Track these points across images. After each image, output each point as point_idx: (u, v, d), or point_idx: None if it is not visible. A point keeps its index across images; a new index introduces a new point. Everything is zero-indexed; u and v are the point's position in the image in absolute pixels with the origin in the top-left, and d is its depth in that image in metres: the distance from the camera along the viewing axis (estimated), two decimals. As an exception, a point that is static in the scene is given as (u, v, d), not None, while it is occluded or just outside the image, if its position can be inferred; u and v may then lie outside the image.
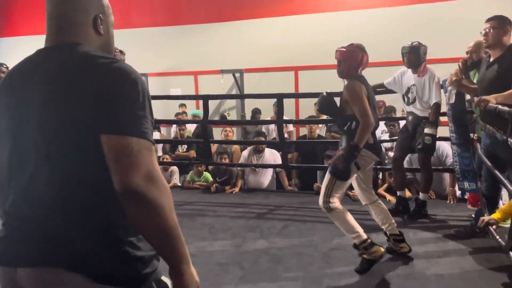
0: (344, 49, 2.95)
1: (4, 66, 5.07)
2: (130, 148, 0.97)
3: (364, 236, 2.82)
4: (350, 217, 2.84)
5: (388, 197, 4.61)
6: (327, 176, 2.88)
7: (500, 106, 2.63)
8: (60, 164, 1.00)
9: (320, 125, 6.34)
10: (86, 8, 1.12)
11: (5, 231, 1.06)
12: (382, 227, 3.06)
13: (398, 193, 4.15)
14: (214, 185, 5.28)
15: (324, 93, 3.15)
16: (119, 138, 0.97)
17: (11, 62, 6.38)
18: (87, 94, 0.98)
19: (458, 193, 4.41)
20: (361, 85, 2.86)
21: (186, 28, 8.01)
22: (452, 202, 4.34)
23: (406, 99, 3.95)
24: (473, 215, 3.95)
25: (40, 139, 1.01)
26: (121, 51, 2.63)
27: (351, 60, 2.92)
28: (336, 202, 2.82)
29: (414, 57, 3.78)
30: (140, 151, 0.98)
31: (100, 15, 1.14)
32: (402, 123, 4.61)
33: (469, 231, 3.40)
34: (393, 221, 3.06)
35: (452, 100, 3.66)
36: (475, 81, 3.57)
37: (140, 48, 7.38)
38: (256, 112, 6.86)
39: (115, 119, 0.98)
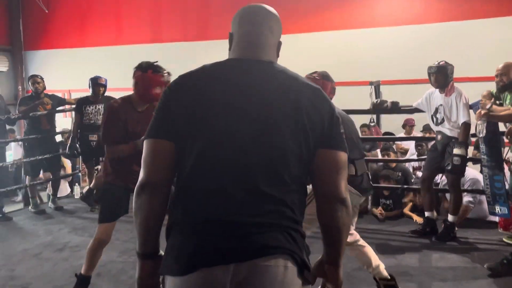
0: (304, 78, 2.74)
1: (39, 77, 5.27)
2: (345, 163, 1.20)
3: (385, 274, 2.62)
4: (369, 249, 2.64)
5: (415, 217, 4.51)
6: None
7: None
8: (290, 169, 1.13)
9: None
10: (275, 31, 1.28)
11: (209, 230, 1.10)
12: (368, 270, 2.71)
13: (426, 213, 4.04)
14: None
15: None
16: (340, 153, 1.19)
17: (46, 73, 6.62)
18: (319, 116, 1.17)
19: (491, 216, 4.25)
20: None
21: (213, 44, 8.14)
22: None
23: (434, 119, 3.88)
24: (504, 239, 3.82)
25: (269, 144, 1.12)
26: (168, 73, 2.66)
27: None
28: (353, 233, 2.58)
29: (442, 77, 3.73)
30: (347, 164, 1.21)
31: (281, 40, 1.31)
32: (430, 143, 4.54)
33: (505, 269, 3.07)
34: (379, 262, 2.67)
35: (483, 134, 3.57)
36: (507, 103, 3.47)
37: (168, 62, 7.53)
38: None
39: (336, 136, 1.19)
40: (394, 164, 4.97)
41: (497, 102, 3.60)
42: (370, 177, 2.66)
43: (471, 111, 3.80)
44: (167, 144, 1.15)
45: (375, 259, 2.65)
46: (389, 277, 2.66)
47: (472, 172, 4.42)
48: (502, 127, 3.71)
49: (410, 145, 5.87)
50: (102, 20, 9.10)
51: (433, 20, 6.85)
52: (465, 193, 4.25)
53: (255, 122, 1.12)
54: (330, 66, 7.93)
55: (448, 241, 3.80)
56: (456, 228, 3.91)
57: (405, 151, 6.06)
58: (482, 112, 3.36)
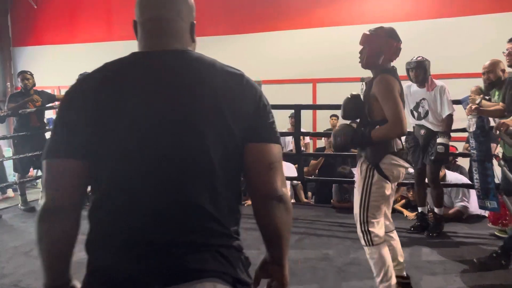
0: (368, 33, 2.49)
1: (28, 73, 5.21)
2: (279, 156, 1.06)
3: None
4: (388, 259, 2.42)
5: (406, 212, 4.55)
6: (357, 193, 2.44)
7: None
8: (216, 172, 1.00)
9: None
10: (185, 13, 1.09)
11: (138, 246, 0.96)
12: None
13: (420, 209, 4.09)
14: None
15: (349, 95, 2.61)
16: (271, 146, 1.05)
17: (35, 69, 6.57)
18: (240, 106, 1.02)
19: (480, 211, 4.31)
20: (395, 81, 2.34)
21: (206, 40, 8.11)
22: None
23: (416, 114, 3.90)
24: (495, 234, 3.87)
25: (187, 146, 0.98)
26: None
27: (373, 46, 2.42)
28: (378, 230, 2.37)
29: (421, 71, 3.76)
30: (281, 158, 1.08)
31: (194, 21, 1.13)
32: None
33: (494, 262, 3.10)
34: (403, 260, 2.61)
35: (473, 129, 3.60)
36: (495, 99, 3.52)
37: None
38: None
39: (265, 127, 1.06)
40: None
41: (486, 97, 3.64)
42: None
43: (460, 106, 3.83)
44: (72, 163, 0.98)
45: (401, 256, 2.57)
46: (405, 275, 2.59)
47: (453, 175, 4.47)
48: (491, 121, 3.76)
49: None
50: (92, 15, 9.01)
51: (423, 17, 6.89)
52: (459, 199, 4.31)
53: (170, 124, 0.97)
54: (320, 63, 8.02)
55: (439, 233, 3.83)
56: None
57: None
58: (473, 107, 3.40)
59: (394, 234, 2.58)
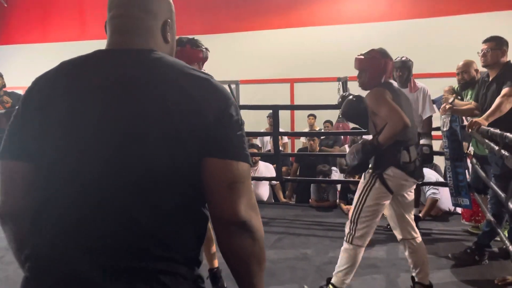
0: (363, 57, 2.54)
1: (-2, 73, 5.06)
2: (243, 175, 0.90)
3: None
4: (357, 263, 2.50)
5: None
6: (356, 196, 2.51)
7: (492, 129, 2.66)
8: (162, 189, 0.87)
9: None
10: (156, 11, 1.00)
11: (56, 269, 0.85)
12: (412, 270, 2.59)
13: None
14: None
15: (352, 97, 2.66)
16: (233, 163, 0.89)
17: (5, 70, 6.34)
18: (197, 115, 0.87)
19: (453, 207, 4.41)
20: (384, 90, 2.41)
21: (198, 38, 8.06)
22: None
23: None
24: (468, 230, 3.96)
25: (126, 156, 0.86)
26: (206, 48, 2.52)
27: (372, 69, 2.49)
28: (362, 237, 2.44)
29: (406, 71, 3.82)
30: (248, 179, 0.92)
31: (169, 20, 1.03)
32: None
33: (468, 258, 3.19)
34: (428, 268, 2.58)
35: (447, 128, 3.69)
36: (467, 99, 3.61)
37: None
38: None
39: (230, 143, 0.90)
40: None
41: (458, 97, 3.73)
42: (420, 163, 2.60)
43: (434, 105, 3.92)
44: (21, 166, 0.92)
45: (426, 264, 2.56)
46: (427, 284, 2.56)
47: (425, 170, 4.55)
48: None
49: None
50: (65, 14, 8.83)
51: (398, 17, 7.02)
52: (427, 187, 4.38)
53: (110, 134, 0.86)
54: (298, 63, 8.07)
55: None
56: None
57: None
58: (447, 106, 3.47)
59: (420, 240, 2.57)
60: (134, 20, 0.98)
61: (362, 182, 2.52)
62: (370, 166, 2.50)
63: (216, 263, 2.72)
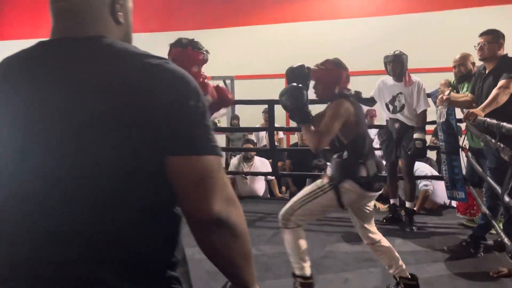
0: (317, 68, 2.57)
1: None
2: (211, 169, 0.81)
3: (307, 272, 2.47)
4: (303, 243, 2.48)
5: (378, 205, 4.64)
6: (304, 190, 2.54)
7: (488, 120, 2.67)
8: (104, 188, 0.79)
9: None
10: None
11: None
12: (389, 270, 2.59)
13: (392, 201, 4.17)
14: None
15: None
16: (200, 159, 0.80)
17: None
18: (147, 107, 0.78)
19: (448, 200, 4.43)
20: (346, 103, 2.41)
21: (177, 35, 7.99)
22: None
23: (391, 107, 3.96)
24: (464, 223, 3.98)
25: (72, 155, 0.78)
26: (207, 51, 2.50)
27: (327, 79, 2.53)
28: (297, 223, 2.47)
29: (398, 65, 3.82)
30: (219, 171, 0.83)
31: None
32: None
33: (464, 251, 3.20)
34: (401, 262, 2.57)
35: (443, 119, 3.70)
36: (463, 92, 3.62)
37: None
38: (233, 118, 6.84)
39: (190, 136, 0.80)
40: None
41: (454, 91, 3.73)
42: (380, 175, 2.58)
43: (429, 99, 3.92)
44: None
45: (397, 259, 2.54)
46: (409, 277, 2.54)
47: (418, 164, 4.56)
48: (459, 114, 3.86)
49: (370, 135, 6.01)
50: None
51: (394, 12, 7.02)
52: (420, 181, 4.39)
53: (52, 135, 0.79)
54: (292, 58, 8.02)
55: (413, 226, 3.92)
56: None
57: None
58: (444, 97, 3.47)
59: (384, 243, 2.58)
60: (79, 2, 0.86)
61: (316, 183, 2.50)
62: (330, 173, 2.50)
63: None
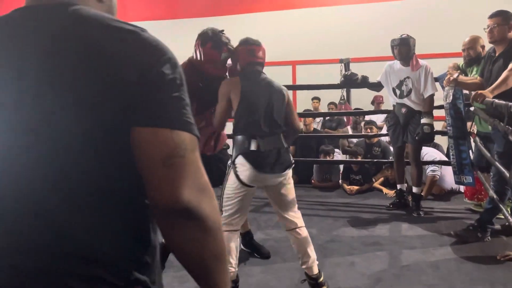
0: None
1: None
2: (183, 148, 0.70)
3: (232, 270, 2.40)
4: (234, 245, 2.39)
5: (385, 190, 4.65)
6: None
7: (496, 100, 2.64)
8: (65, 165, 0.70)
9: (317, 119, 6.36)
10: None
11: None
12: (299, 261, 2.51)
13: (399, 186, 4.16)
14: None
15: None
16: (171, 133, 0.70)
17: None
18: (114, 73, 0.69)
19: (456, 186, 4.42)
20: (230, 83, 2.43)
21: (183, 22, 7.97)
22: None
23: (398, 92, 3.93)
24: (471, 208, 3.98)
25: (36, 128, 0.71)
26: (228, 43, 2.52)
27: (232, 60, 2.57)
28: (230, 224, 2.38)
29: (405, 49, 3.77)
30: (193, 153, 0.72)
31: None
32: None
33: (471, 235, 3.20)
34: (310, 259, 2.46)
35: (450, 100, 3.66)
36: (471, 75, 3.58)
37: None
38: None
39: (161, 107, 0.70)
40: (375, 140, 5.05)
41: (463, 74, 3.70)
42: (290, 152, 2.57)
43: (437, 83, 3.89)
44: None
45: (308, 255, 2.46)
46: (314, 276, 2.45)
47: (426, 149, 4.54)
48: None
49: (377, 121, 5.98)
50: None
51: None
52: (427, 166, 4.37)
53: (15, 111, 0.71)
54: (300, 45, 7.99)
55: (420, 211, 3.92)
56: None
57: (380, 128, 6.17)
58: (451, 78, 3.43)
59: (300, 230, 2.49)
60: None
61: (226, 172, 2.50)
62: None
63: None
